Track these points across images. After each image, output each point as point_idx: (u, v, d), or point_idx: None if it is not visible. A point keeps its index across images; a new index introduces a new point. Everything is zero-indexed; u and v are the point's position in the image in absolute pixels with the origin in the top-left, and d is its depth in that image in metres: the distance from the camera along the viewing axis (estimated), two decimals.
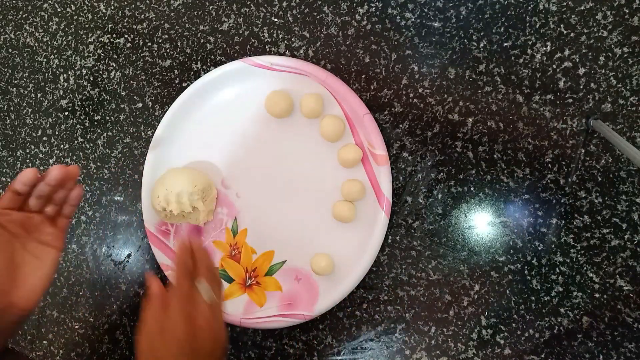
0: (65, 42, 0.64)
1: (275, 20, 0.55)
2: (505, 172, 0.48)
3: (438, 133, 0.50)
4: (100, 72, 0.62)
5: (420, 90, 0.51)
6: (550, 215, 0.47)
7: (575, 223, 0.47)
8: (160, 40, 0.59)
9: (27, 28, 0.66)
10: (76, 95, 0.63)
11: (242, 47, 0.56)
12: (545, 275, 0.47)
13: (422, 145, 0.51)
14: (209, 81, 0.54)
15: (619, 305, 0.46)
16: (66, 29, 0.64)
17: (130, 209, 0.60)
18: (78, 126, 0.63)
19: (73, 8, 0.63)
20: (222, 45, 0.57)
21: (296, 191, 0.53)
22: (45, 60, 0.65)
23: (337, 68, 0.53)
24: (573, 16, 0.47)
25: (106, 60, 0.62)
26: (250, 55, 0.55)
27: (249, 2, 0.56)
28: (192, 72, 0.58)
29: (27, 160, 0.65)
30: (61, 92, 0.64)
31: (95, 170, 0.62)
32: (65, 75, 0.64)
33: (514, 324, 0.48)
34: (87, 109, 0.62)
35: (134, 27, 0.60)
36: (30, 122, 0.65)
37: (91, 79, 0.62)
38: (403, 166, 0.51)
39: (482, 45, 0.49)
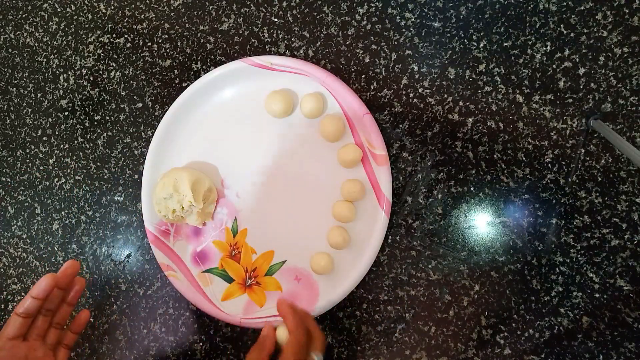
0: (65, 42, 0.64)
1: (275, 20, 0.55)
2: (505, 172, 0.48)
3: (438, 133, 0.50)
4: (100, 72, 0.62)
5: (420, 90, 0.51)
6: (550, 215, 0.47)
7: (575, 223, 0.47)
8: (160, 40, 0.59)
9: (27, 28, 0.66)
10: (76, 95, 0.63)
11: (242, 47, 0.56)
12: (545, 275, 0.47)
13: (422, 145, 0.51)
14: (209, 81, 0.54)
15: (619, 305, 0.46)
16: (66, 29, 0.64)
17: (130, 209, 0.60)
18: (78, 126, 0.63)
19: (73, 8, 0.63)
20: (222, 45, 0.57)
21: (296, 191, 0.53)
22: (45, 60, 0.65)
23: (337, 68, 0.53)
24: (573, 16, 0.47)
25: (106, 60, 0.62)
26: (250, 55, 0.55)
27: (249, 2, 0.56)
28: (192, 72, 0.58)
29: (27, 160, 0.65)
30: (61, 92, 0.64)
31: (95, 170, 0.62)
32: (65, 75, 0.64)
33: (514, 324, 0.48)
34: (87, 108, 0.62)
35: (134, 27, 0.60)
36: (30, 122, 0.65)
37: (91, 79, 0.62)
38: (403, 166, 0.51)
39: (482, 45, 0.49)
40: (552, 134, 0.47)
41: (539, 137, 0.48)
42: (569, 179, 0.47)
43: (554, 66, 0.48)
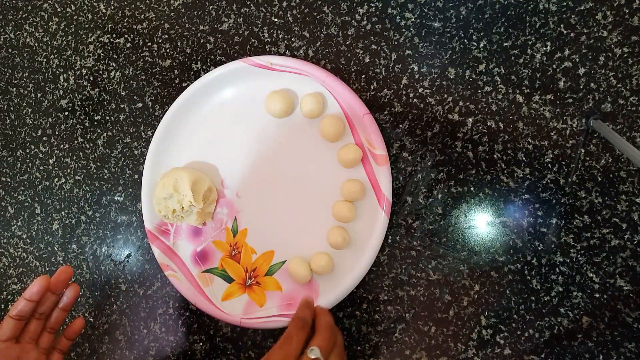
0: (65, 42, 0.64)
1: (275, 20, 0.55)
2: (505, 172, 0.48)
3: (438, 133, 0.50)
4: (100, 72, 0.62)
5: (420, 90, 0.51)
6: (550, 215, 0.47)
7: (575, 223, 0.47)
8: (160, 40, 0.59)
9: (27, 28, 0.66)
10: (76, 95, 0.63)
11: (242, 47, 0.56)
12: (545, 275, 0.47)
13: (422, 145, 0.51)
14: (209, 81, 0.54)
15: (619, 305, 0.46)
16: (66, 29, 0.64)
17: (130, 209, 0.60)
18: (78, 126, 0.63)
19: (73, 8, 0.63)
20: (222, 45, 0.57)
21: (296, 191, 0.53)
22: (45, 60, 0.65)
23: (337, 68, 0.53)
24: (573, 16, 0.47)
25: (106, 60, 0.62)
26: (250, 55, 0.55)
27: (249, 2, 0.56)
28: (192, 72, 0.58)
29: (27, 160, 0.65)
30: (61, 92, 0.64)
31: (95, 170, 0.62)
32: (65, 75, 0.64)
33: (514, 324, 0.48)
34: (87, 108, 0.62)
35: (134, 27, 0.60)
36: (30, 122, 0.65)
37: (91, 79, 0.62)
38: (403, 166, 0.51)
39: (482, 45, 0.49)
40: (552, 134, 0.47)
41: (539, 137, 0.48)
42: (569, 179, 0.47)
43: (554, 66, 0.48)
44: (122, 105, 0.61)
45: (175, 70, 0.59)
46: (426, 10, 0.51)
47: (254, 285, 0.53)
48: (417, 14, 0.51)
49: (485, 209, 0.49)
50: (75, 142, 0.63)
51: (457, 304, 0.49)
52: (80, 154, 0.62)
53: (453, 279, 0.49)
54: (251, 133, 0.54)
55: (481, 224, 0.49)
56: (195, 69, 0.58)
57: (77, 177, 0.63)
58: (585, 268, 0.46)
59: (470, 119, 0.49)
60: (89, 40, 0.62)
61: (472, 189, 0.49)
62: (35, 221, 0.64)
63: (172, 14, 0.59)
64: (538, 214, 0.48)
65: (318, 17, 0.54)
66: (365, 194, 0.50)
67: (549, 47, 0.48)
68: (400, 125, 0.51)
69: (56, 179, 0.64)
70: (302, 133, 0.52)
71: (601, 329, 0.46)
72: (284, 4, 0.55)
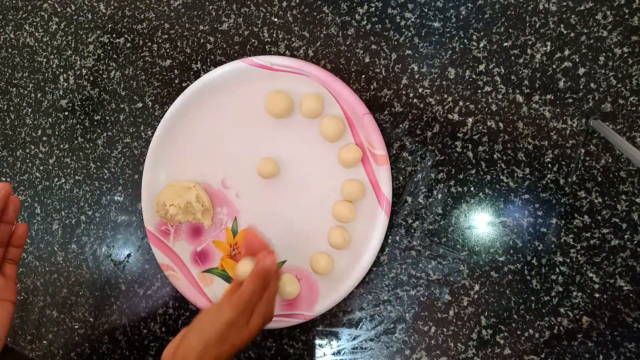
0: (65, 42, 0.64)
1: (275, 20, 0.55)
2: (505, 172, 0.48)
3: (438, 133, 0.50)
4: (100, 72, 0.62)
5: (420, 90, 0.51)
6: (550, 215, 0.47)
7: (575, 223, 0.47)
8: (160, 40, 0.59)
9: (27, 28, 0.66)
10: (76, 95, 0.63)
11: (242, 47, 0.56)
12: (545, 275, 0.47)
13: (422, 145, 0.51)
14: (208, 81, 0.53)
15: (618, 305, 0.46)
16: (66, 29, 0.64)
17: (130, 209, 0.60)
18: (78, 126, 0.63)
19: (73, 8, 0.63)
20: (222, 45, 0.57)
21: (296, 191, 0.53)
22: (45, 60, 0.65)
23: (337, 68, 0.53)
24: (573, 16, 0.47)
25: (106, 60, 0.62)
26: (250, 55, 0.55)
27: (249, 2, 0.56)
28: (192, 72, 0.58)
29: (27, 160, 0.65)
30: (61, 92, 0.64)
31: (95, 170, 0.62)
32: (65, 75, 0.64)
33: (513, 324, 0.48)
34: (87, 108, 0.62)
35: (134, 27, 0.60)
36: (30, 122, 0.65)
37: (91, 78, 0.62)
38: (403, 166, 0.51)
39: (482, 45, 0.49)
40: (552, 134, 0.47)
41: (539, 137, 0.48)
42: (569, 179, 0.47)
43: (554, 66, 0.48)
44: (122, 105, 0.61)
45: (175, 70, 0.59)
46: (426, 10, 0.51)
47: None
48: (417, 14, 0.51)
49: (485, 209, 0.49)
50: (75, 142, 0.63)
51: (457, 304, 0.49)
52: (80, 154, 0.62)
53: (453, 279, 0.49)
54: (251, 133, 0.54)
55: (481, 224, 0.49)
56: (195, 69, 0.58)
57: (77, 177, 0.62)
58: (585, 268, 0.46)
59: (470, 119, 0.49)
60: (89, 40, 0.62)
61: (472, 189, 0.49)
62: (35, 221, 0.64)
63: (172, 14, 0.59)
64: (538, 214, 0.48)
65: (318, 17, 0.54)
66: (365, 194, 0.50)
67: (549, 47, 0.48)
68: (400, 125, 0.51)
69: (56, 179, 0.64)
70: (302, 133, 0.52)
71: (601, 329, 0.46)
72: (284, 4, 0.55)
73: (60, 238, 0.63)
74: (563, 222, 0.47)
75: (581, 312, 0.46)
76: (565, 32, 0.47)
